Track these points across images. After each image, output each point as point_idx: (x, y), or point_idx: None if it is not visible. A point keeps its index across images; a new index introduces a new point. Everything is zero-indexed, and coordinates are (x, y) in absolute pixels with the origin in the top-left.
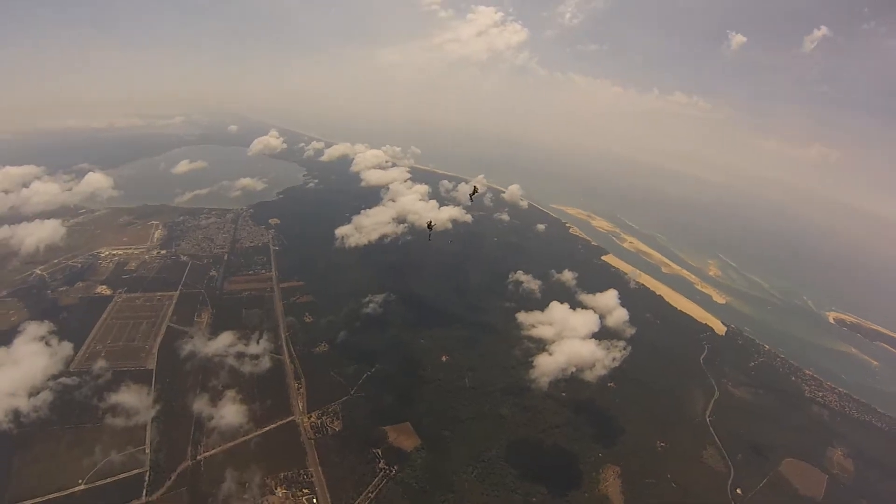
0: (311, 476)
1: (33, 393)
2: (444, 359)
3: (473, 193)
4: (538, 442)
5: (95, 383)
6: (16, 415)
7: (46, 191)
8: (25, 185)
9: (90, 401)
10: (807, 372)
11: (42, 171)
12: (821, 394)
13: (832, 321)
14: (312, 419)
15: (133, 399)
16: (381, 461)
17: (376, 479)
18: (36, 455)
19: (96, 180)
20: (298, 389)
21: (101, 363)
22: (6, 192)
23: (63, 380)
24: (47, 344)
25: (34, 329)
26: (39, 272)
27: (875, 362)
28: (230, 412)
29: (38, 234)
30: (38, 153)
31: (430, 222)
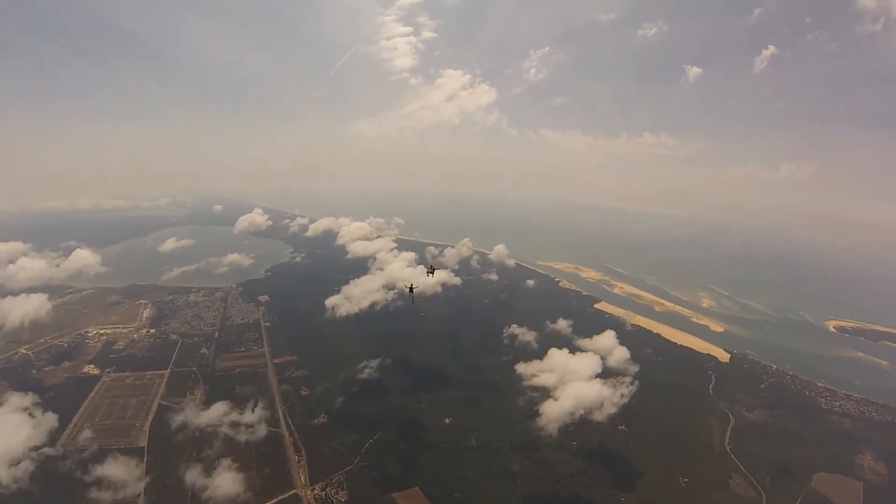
0: None
1: (14, 463)
2: (446, 421)
3: (431, 272)
4: (554, 494)
5: (83, 459)
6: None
7: (33, 267)
8: (12, 261)
9: (78, 476)
10: (819, 384)
11: (29, 247)
12: (837, 403)
13: (833, 330)
14: (316, 491)
15: (124, 475)
16: None
17: None
18: None
19: (84, 257)
20: (299, 462)
21: (89, 441)
22: None
23: (47, 450)
24: (31, 415)
25: (17, 400)
26: (24, 351)
27: (884, 362)
28: (227, 483)
29: (23, 309)
30: (25, 231)
31: (411, 285)
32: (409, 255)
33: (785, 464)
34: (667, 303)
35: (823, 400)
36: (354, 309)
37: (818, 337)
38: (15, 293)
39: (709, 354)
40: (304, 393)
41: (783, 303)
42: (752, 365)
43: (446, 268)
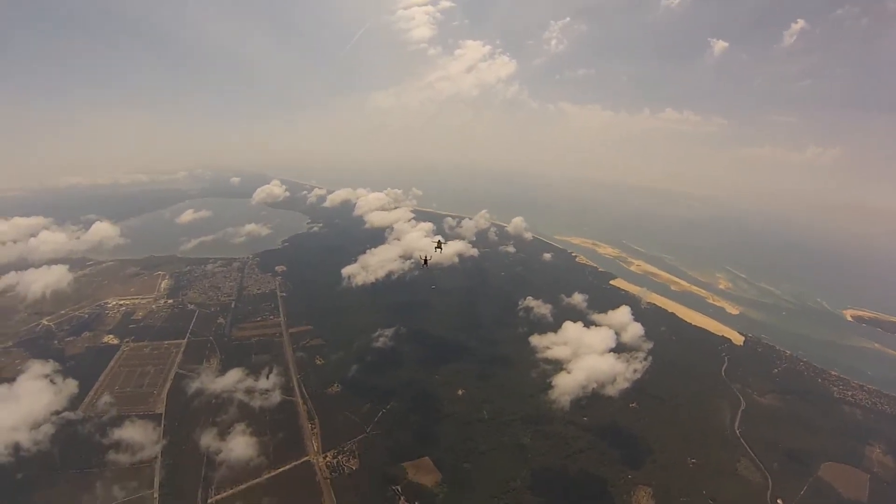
0: None
1: (35, 427)
2: (459, 392)
3: (433, 251)
4: (563, 468)
5: (102, 423)
6: (19, 452)
7: (54, 240)
8: (33, 235)
9: (97, 442)
10: (832, 373)
11: (50, 222)
12: (850, 393)
13: (850, 319)
14: (328, 458)
15: (141, 440)
16: (402, 498)
17: None
18: (40, 498)
19: (103, 230)
20: (312, 430)
21: (108, 406)
22: (14, 241)
23: (67, 414)
24: (52, 382)
25: (39, 368)
26: (46, 323)
27: None
28: (241, 447)
29: (44, 280)
30: (46, 207)
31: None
32: (427, 226)
33: (793, 450)
34: (683, 282)
35: (836, 389)
36: (371, 278)
37: (834, 325)
38: (37, 265)
39: (723, 336)
40: (318, 362)
41: (801, 289)
42: (766, 349)
43: (463, 238)
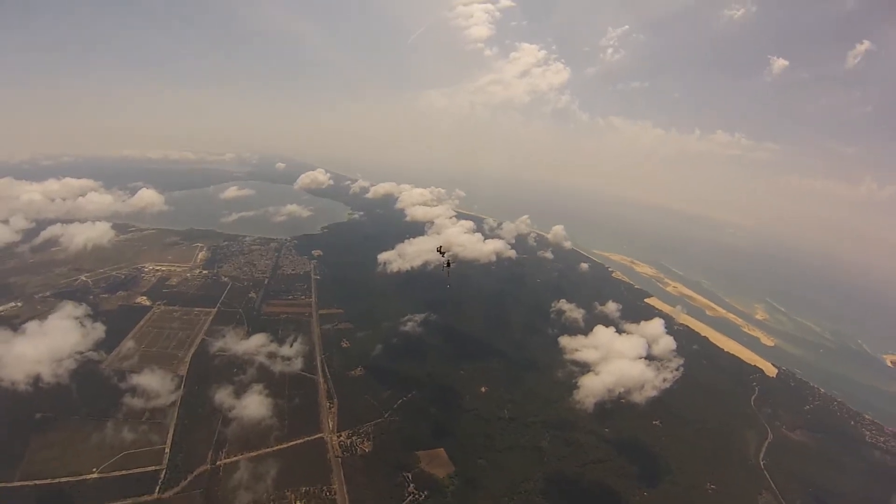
0: (335, 494)
1: (61, 374)
2: (483, 390)
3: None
4: (578, 476)
5: (125, 381)
6: (42, 395)
7: (101, 201)
8: (82, 195)
9: (117, 395)
10: (866, 416)
11: (99, 185)
12: (882, 439)
13: (890, 364)
14: (342, 438)
15: (160, 400)
16: (411, 485)
17: None
18: (54, 439)
19: (148, 196)
20: (330, 409)
21: (133, 365)
22: (63, 199)
23: (91, 354)
24: (81, 324)
25: (70, 309)
26: (84, 279)
27: None
28: (256, 404)
29: (87, 234)
30: (97, 172)
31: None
32: (468, 223)
33: (819, 489)
34: (719, 308)
35: (868, 433)
36: (406, 266)
37: (873, 368)
38: (82, 220)
39: (755, 366)
40: (344, 345)
41: (841, 328)
42: (800, 384)
43: (502, 239)
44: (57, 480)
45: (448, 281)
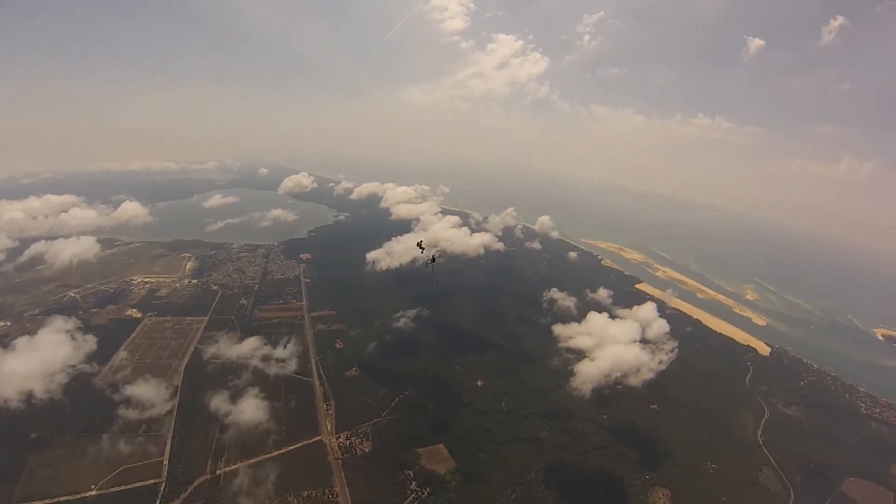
0: (337, 496)
1: (54, 389)
2: (479, 384)
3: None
4: (579, 465)
5: (119, 393)
6: (36, 412)
7: (84, 216)
8: (64, 211)
9: (112, 408)
10: (860, 389)
11: (81, 200)
12: (877, 410)
13: (881, 338)
14: (340, 440)
15: (155, 410)
16: (413, 483)
17: (407, 502)
18: (50, 457)
19: (132, 209)
20: (327, 411)
21: (127, 376)
22: (46, 216)
23: (83, 367)
24: (72, 338)
25: (60, 323)
26: (72, 294)
27: None
28: (252, 409)
29: (72, 250)
30: (78, 187)
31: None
32: (454, 219)
33: (817, 463)
34: (710, 291)
35: (863, 405)
36: (395, 264)
37: (864, 343)
38: (66, 237)
39: (749, 346)
40: (338, 346)
41: (831, 305)
42: (793, 361)
43: (489, 232)
44: (56, 500)
45: (434, 277)
